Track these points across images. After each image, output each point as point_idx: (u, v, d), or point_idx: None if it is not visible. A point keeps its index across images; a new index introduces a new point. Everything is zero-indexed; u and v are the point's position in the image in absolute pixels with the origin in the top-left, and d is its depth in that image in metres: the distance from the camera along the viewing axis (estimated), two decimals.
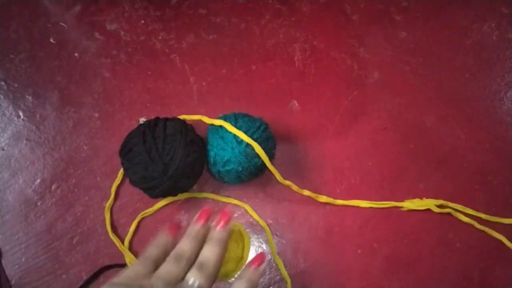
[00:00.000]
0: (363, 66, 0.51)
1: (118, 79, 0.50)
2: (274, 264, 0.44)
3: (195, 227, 0.34)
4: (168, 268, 0.32)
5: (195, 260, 0.33)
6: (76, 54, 0.51)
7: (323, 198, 0.45)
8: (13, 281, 0.43)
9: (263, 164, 0.42)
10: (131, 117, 0.49)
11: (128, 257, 0.44)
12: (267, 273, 0.44)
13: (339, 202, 0.46)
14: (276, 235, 0.45)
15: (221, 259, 0.33)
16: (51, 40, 0.51)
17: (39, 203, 0.46)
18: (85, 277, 0.43)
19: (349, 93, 0.50)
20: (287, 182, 0.44)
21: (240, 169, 0.41)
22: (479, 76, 0.51)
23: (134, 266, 0.32)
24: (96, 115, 0.49)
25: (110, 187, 0.46)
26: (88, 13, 0.53)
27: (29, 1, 0.53)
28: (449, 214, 0.45)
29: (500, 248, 0.45)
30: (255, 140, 0.40)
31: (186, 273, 0.32)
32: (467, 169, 0.47)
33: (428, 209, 0.45)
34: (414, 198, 0.46)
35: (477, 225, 0.45)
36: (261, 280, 0.44)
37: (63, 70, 0.50)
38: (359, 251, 0.45)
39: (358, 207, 0.46)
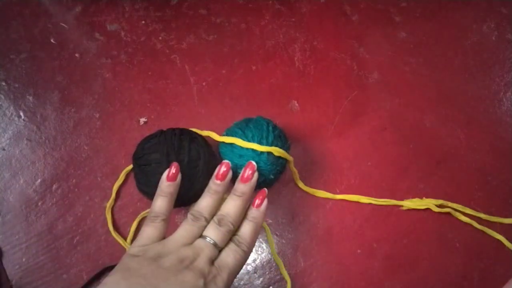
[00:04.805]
0: (363, 66, 0.51)
1: (119, 79, 0.50)
2: (274, 264, 0.44)
3: (215, 182, 0.36)
4: (186, 229, 0.33)
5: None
6: (76, 55, 0.51)
7: (321, 193, 0.46)
8: (13, 281, 0.43)
9: (286, 160, 0.42)
10: (131, 117, 0.49)
11: None
12: (267, 273, 0.44)
13: (339, 196, 0.46)
14: (276, 235, 0.45)
15: (242, 214, 0.34)
16: (52, 41, 0.52)
17: (39, 203, 0.46)
18: (85, 277, 0.43)
19: (349, 93, 0.50)
20: (294, 169, 0.45)
21: (272, 176, 0.41)
22: (478, 76, 0.51)
23: (144, 231, 0.33)
24: (97, 115, 0.49)
25: (111, 187, 0.46)
26: (89, 13, 0.53)
27: (29, 1, 0.53)
28: (448, 214, 0.46)
29: (499, 248, 0.45)
30: (272, 143, 0.40)
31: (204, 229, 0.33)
32: (467, 169, 0.48)
33: (428, 209, 0.45)
34: (413, 198, 0.46)
35: (476, 225, 0.45)
36: (261, 279, 0.44)
37: (64, 70, 0.50)
38: (358, 251, 0.45)
39: (358, 206, 0.46)
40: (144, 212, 0.45)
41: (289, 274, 0.44)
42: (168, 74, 0.51)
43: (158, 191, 0.35)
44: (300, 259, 0.45)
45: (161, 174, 0.37)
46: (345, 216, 0.46)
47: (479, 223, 0.45)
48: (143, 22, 0.53)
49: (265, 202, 0.36)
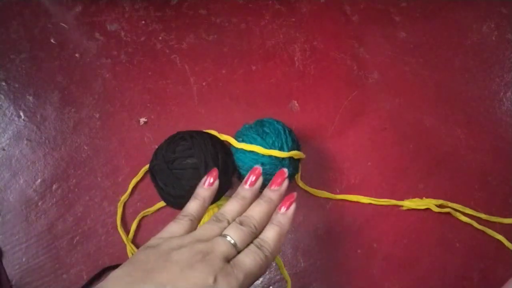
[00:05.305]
0: (363, 66, 0.51)
1: (119, 79, 0.50)
2: (274, 264, 0.44)
3: (244, 188, 0.34)
4: (205, 227, 0.31)
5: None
6: (76, 55, 0.51)
7: (321, 193, 0.46)
8: (13, 281, 0.43)
9: (299, 159, 0.43)
10: (131, 117, 0.49)
11: (131, 252, 0.44)
12: (267, 273, 0.44)
13: (339, 196, 0.46)
14: None
15: (267, 219, 0.32)
16: (52, 41, 0.52)
17: (39, 203, 0.46)
18: (85, 277, 0.43)
19: (349, 93, 0.50)
20: (299, 166, 0.45)
21: (291, 178, 0.42)
22: (478, 76, 0.51)
23: (169, 226, 0.32)
24: (97, 115, 0.49)
25: (111, 187, 0.46)
26: (89, 13, 0.53)
27: (29, 1, 0.53)
28: (448, 214, 0.46)
29: (499, 248, 0.45)
30: (291, 147, 0.40)
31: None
32: (467, 169, 0.48)
33: (428, 209, 0.45)
34: (413, 198, 0.46)
35: (476, 225, 0.45)
36: (261, 279, 0.44)
37: (64, 70, 0.50)
38: (359, 251, 0.45)
39: (358, 206, 0.46)
40: (144, 211, 0.45)
41: (289, 274, 0.44)
42: (168, 74, 0.51)
43: (194, 195, 0.34)
44: (300, 259, 0.45)
45: (196, 179, 0.37)
46: (345, 216, 0.46)
47: (479, 223, 0.45)
48: (143, 22, 0.53)
49: (293, 206, 0.33)
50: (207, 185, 0.34)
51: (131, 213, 0.46)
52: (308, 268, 0.44)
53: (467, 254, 0.45)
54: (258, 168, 0.35)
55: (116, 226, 0.45)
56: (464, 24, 0.53)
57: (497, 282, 0.44)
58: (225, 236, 0.30)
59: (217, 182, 0.35)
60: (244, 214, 0.33)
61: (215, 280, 0.27)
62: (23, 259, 0.44)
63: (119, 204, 0.45)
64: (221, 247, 0.29)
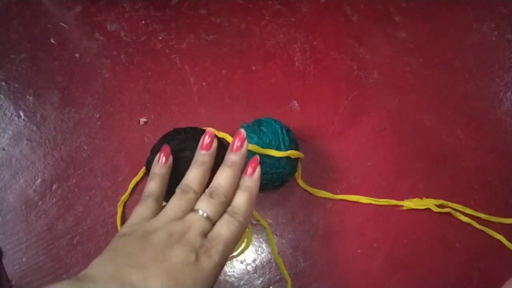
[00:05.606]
0: (363, 66, 0.51)
1: (119, 79, 0.50)
2: (274, 264, 0.44)
3: (200, 153, 0.34)
4: (174, 204, 0.31)
5: (205, 188, 0.32)
6: (76, 55, 0.51)
7: (321, 193, 0.46)
8: (13, 281, 0.43)
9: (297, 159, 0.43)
10: (131, 117, 0.49)
11: None
12: (267, 273, 0.44)
13: (339, 196, 0.46)
14: (276, 234, 0.45)
15: (234, 184, 0.32)
16: (52, 41, 0.52)
17: (39, 203, 0.46)
18: None
19: (349, 93, 0.50)
20: (299, 165, 0.45)
21: (288, 177, 0.42)
22: (478, 76, 0.51)
23: (136, 210, 0.32)
24: (97, 115, 0.49)
25: (111, 187, 0.46)
26: (89, 13, 0.53)
27: (29, 1, 0.53)
28: (448, 214, 0.46)
29: (499, 248, 0.45)
30: (288, 146, 0.40)
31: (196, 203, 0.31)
32: (467, 169, 0.48)
33: (428, 209, 0.45)
34: (414, 198, 0.46)
35: (476, 225, 0.45)
36: (261, 279, 0.44)
37: (64, 70, 0.50)
38: (359, 251, 0.45)
39: (358, 206, 0.46)
40: None
41: (289, 274, 0.44)
42: (168, 74, 0.51)
43: (151, 174, 0.34)
44: (300, 259, 0.45)
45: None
46: (345, 216, 0.46)
47: (479, 223, 0.45)
48: (143, 22, 0.53)
49: (258, 169, 0.33)
50: (161, 163, 0.34)
51: (131, 213, 0.46)
52: (308, 268, 0.44)
53: (467, 254, 0.45)
54: (210, 131, 0.34)
55: (116, 226, 0.45)
56: (464, 24, 0.54)
57: (497, 282, 0.44)
58: (197, 211, 0.30)
59: (170, 158, 0.35)
60: (211, 184, 0.32)
61: (196, 257, 0.27)
62: (23, 259, 0.44)
63: (119, 204, 0.45)
64: (197, 224, 0.29)
